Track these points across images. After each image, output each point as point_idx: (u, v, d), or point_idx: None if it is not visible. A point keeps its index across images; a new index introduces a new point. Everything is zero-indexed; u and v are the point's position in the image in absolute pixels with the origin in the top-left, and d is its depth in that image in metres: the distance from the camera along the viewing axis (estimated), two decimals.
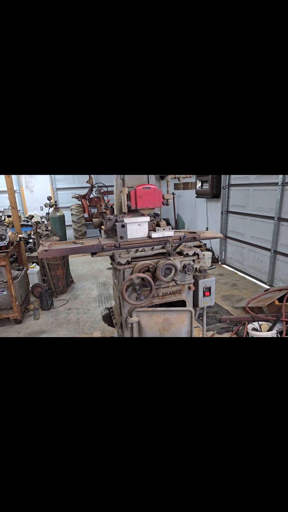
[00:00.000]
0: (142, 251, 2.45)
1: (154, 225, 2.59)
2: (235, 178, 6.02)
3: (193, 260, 2.53)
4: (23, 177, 8.87)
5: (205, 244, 7.11)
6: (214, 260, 6.86)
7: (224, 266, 6.65)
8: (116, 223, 2.40)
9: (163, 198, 2.61)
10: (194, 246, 2.62)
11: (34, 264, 5.68)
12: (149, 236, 2.51)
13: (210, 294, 2.59)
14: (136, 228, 2.50)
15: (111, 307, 3.10)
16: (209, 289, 2.58)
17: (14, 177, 8.70)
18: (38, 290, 5.23)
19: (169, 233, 2.51)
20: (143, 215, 2.60)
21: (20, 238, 4.84)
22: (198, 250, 2.49)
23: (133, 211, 2.63)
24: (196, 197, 7.05)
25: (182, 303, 2.58)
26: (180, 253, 2.51)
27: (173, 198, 8.40)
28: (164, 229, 2.52)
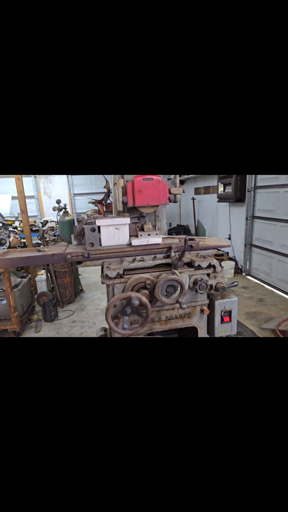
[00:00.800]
0: (141, 260, 1.82)
1: (138, 229, 1.96)
2: (263, 180, 5.25)
3: (208, 274, 1.86)
4: (42, 183, 8.64)
5: (227, 252, 6.34)
6: (238, 270, 6.06)
7: (249, 277, 5.83)
8: (84, 226, 1.80)
9: (170, 193, 1.98)
10: (210, 256, 1.95)
11: (43, 271, 5.24)
12: (130, 244, 1.88)
13: (230, 319, 1.90)
14: (113, 232, 1.88)
15: (106, 329, 2.49)
16: (229, 313, 1.89)
17: (32, 182, 8.50)
18: (43, 299, 4.75)
19: (155, 239, 1.87)
20: (142, 214, 1.98)
21: (24, 243, 4.40)
22: (214, 261, 1.82)
23: (132, 210, 2.02)
24: (218, 201, 6.33)
25: (192, 331, 1.91)
26: (190, 265, 1.85)
27: (193, 203, 7.72)
28: (149, 234, 1.88)
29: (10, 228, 6.12)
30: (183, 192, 2.04)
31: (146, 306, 1.55)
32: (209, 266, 1.83)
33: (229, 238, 6.32)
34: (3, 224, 4.80)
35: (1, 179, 7.91)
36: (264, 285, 5.33)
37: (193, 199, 7.75)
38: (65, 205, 5.11)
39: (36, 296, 4.93)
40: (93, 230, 1.84)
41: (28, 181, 8.44)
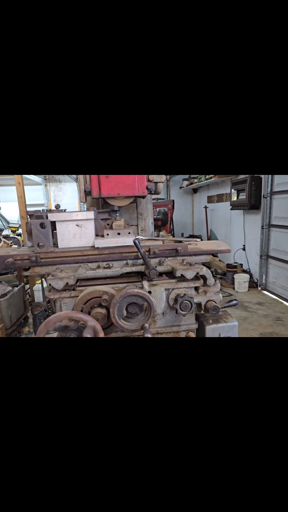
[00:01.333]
0: (106, 267, 1.34)
1: (108, 227, 1.48)
2: (280, 184, 4.65)
3: (196, 289, 1.33)
4: (52, 191, 8.48)
5: (241, 264, 5.70)
6: (253, 284, 5.39)
7: (265, 292, 5.14)
8: (31, 221, 1.36)
9: (148, 180, 1.50)
10: (203, 264, 1.43)
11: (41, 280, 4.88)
12: (93, 246, 1.40)
13: None
14: (74, 231, 1.41)
15: None
16: None
17: (43, 191, 8.37)
18: (37, 310, 4.35)
19: (125, 240, 1.37)
20: (113, 208, 1.50)
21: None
22: (204, 270, 1.30)
23: (106, 204, 1.56)
24: (231, 209, 5.76)
25: None
26: (172, 275, 1.34)
27: (206, 211, 7.17)
28: (119, 233, 1.40)
29: (13, 235, 5.90)
30: (167, 180, 1.56)
31: (94, 332, 1.05)
32: (197, 277, 1.30)
33: (244, 249, 5.70)
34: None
35: (12, 187, 7.82)
36: (282, 301, 4.64)
37: (205, 207, 7.22)
38: (64, 210, 4.78)
39: (30, 307, 4.54)
40: (42, 226, 1.38)
41: (38, 189, 8.32)
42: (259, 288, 5.30)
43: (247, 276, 5.33)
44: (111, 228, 1.48)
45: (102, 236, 1.46)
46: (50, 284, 1.21)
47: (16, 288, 4.08)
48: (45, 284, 4.64)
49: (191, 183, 7.57)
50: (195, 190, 8.32)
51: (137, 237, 1.52)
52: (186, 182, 7.88)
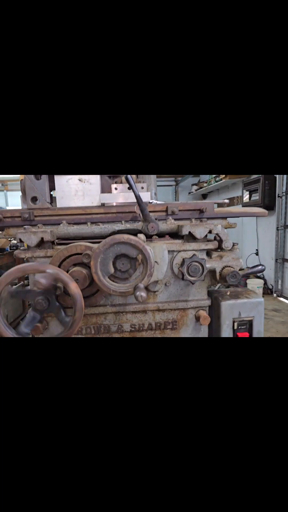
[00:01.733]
0: (97, 224, 1.06)
1: (116, 184, 1.23)
2: None
3: (208, 253, 1.04)
4: None
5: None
6: (267, 291, 5.00)
7: (281, 299, 4.75)
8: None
9: None
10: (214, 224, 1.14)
11: None
12: (101, 204, 1.15)
13: (250, 336, 1.03)
14: (75, 187, 1.17)
15: None
16: (247, 324, 1.03)
17: None
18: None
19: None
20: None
21: (16, 245, 3.86)
22: (219, 228, 1.00)
23: None
24: None
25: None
26: (176, 235, 1.05)
27: None
28: (129, 188, 1.16)
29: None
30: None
31: (72, 296, 0.77)
32: (209, 238, 1.01)
33: (257, 254, 5.36)
34: None
35: (19, 193, 7.80)
36: None
37: None
38: None
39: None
40: (38, 177, 1.14)
41: None
42: (275, 295, 4.90)
43: (261, 281, 4.94)
44: (120, 183, 1.22)
45: (106, 193, 1.21)
46: (20, 239, 0.95)
47: (14, 287, 3.84)
48: None
49: (200, 187, 7.35)
50: (204, 196, 8.09)
51: (151, 201, 1.26)
52: (195, 187, 7.67)
